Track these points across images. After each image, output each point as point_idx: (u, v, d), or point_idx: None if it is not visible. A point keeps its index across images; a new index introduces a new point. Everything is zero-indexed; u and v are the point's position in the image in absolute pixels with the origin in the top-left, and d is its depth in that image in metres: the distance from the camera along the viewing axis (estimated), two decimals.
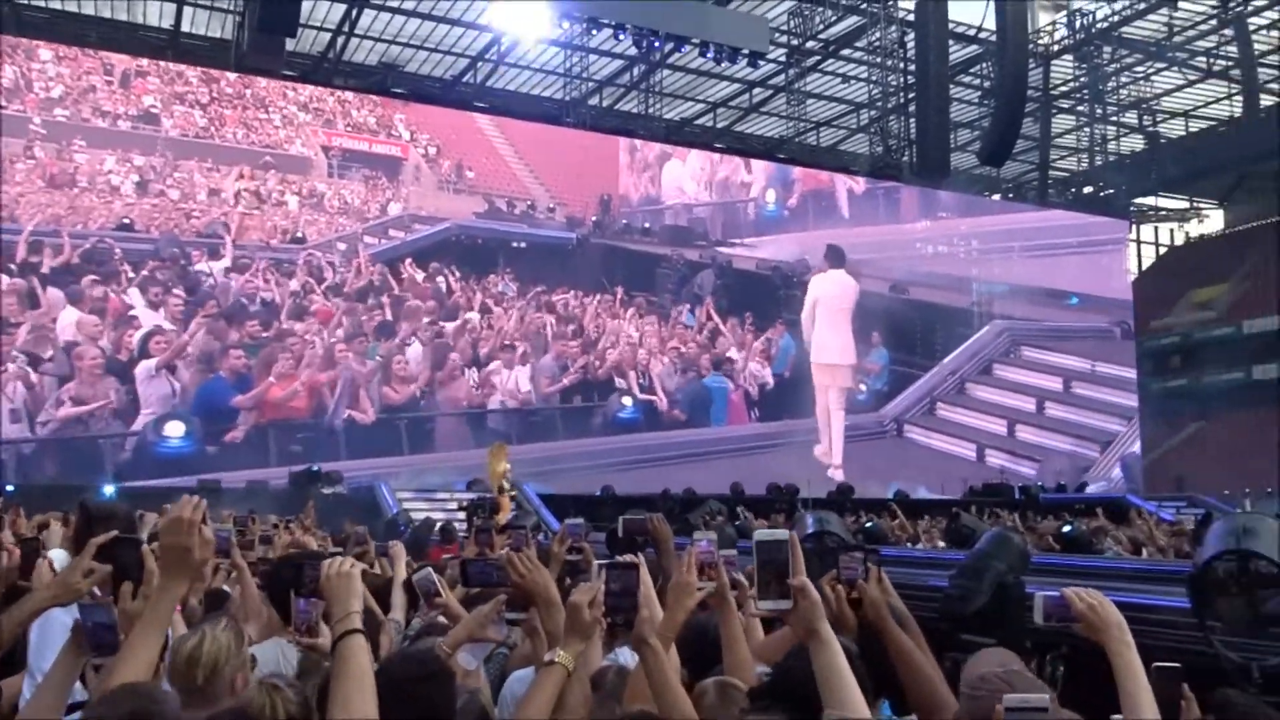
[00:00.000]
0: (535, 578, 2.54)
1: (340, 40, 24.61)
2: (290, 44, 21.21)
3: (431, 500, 16.16)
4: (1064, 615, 2.26)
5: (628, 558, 2.64)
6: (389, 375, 19.99)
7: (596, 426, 21.97)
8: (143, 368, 17.99)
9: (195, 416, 18.31)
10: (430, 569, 3.72)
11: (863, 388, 25.24)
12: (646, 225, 24.30)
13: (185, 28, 23.73)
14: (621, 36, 22.81)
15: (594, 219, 23.50)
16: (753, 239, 25.39)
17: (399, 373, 20.04)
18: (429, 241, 21.41)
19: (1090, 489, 24.61)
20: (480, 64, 26.52)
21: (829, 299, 24.58)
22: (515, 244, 22.27)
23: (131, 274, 18.39)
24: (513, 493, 13.75)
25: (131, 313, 18.22)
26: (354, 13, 23.59)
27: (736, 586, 2.90)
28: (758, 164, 26.94)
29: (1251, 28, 27.20)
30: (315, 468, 17.24)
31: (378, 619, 3.70)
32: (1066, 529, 9.67)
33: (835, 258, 24.96)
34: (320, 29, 24.20)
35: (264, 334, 19.09)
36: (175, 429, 18.15)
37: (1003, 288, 27.98)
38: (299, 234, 20.21)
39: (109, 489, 14.78)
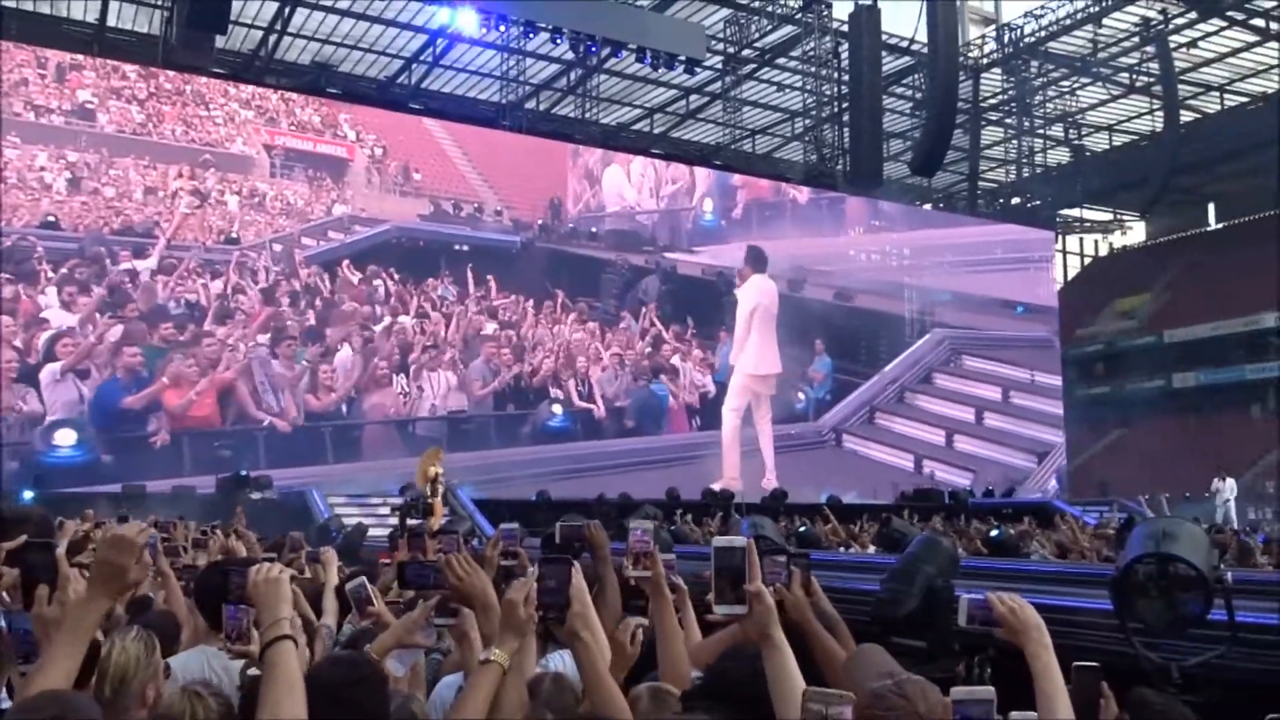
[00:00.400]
0: (473, 580, 2.50)
1: (272, 39, 24.23)
2: (220, 41, 20.83)
3: (363, 506, 15.95)
4: (986, 618, 2.31)
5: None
6: (316, 381, 19.56)
7: (530, 435, 21.68)
8: (47, 371, 17.12)
9: (94, 423, 17.40)
10: (364, 578, 3.67)
11: (801, 396, 25.33)
12: (593, 230, 24.19)
13: (111, 22, 23.19)
14: (559, 40, 22.81)
15: (540, 222, 23.29)
16: (701, 246, 25.28)
17: (324, 380, 19.57)
18: (368, 244, 20.98)
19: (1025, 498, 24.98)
20: (415, 65, 26.30)
21: (763, 307, 24.52)
22: (457, 246, 21.98)
23: (51, 273, 17.77)
24: (436, 494, 13.52)
25: (43, 314, 17.47)
26: (286, 11, 23.23)
27: (676, 590, 2.94)
28: (703, 171, 26.98)
29: (1172, 45, 28.05)
30: (244, 472, 16.90)
31: (312, 625, 3.64)
32: (994, 533, 9.84)
33: (757, 261, 24.76)
34: (252, 26, 23.80)
35: (179, 337, 18.43)
36: (66, 437, 17.10)
37: (946, 295, 28.37)
38: (234, 234, 19.73)
39: (28, 494, 14.35)
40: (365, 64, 26.53)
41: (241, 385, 18.74)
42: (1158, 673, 3.04)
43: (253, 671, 2.41)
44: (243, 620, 2.65)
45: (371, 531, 10.78)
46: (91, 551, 5.98)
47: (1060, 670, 2.19)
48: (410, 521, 11.98)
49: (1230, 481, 23.55)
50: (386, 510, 15.47)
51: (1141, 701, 2.22)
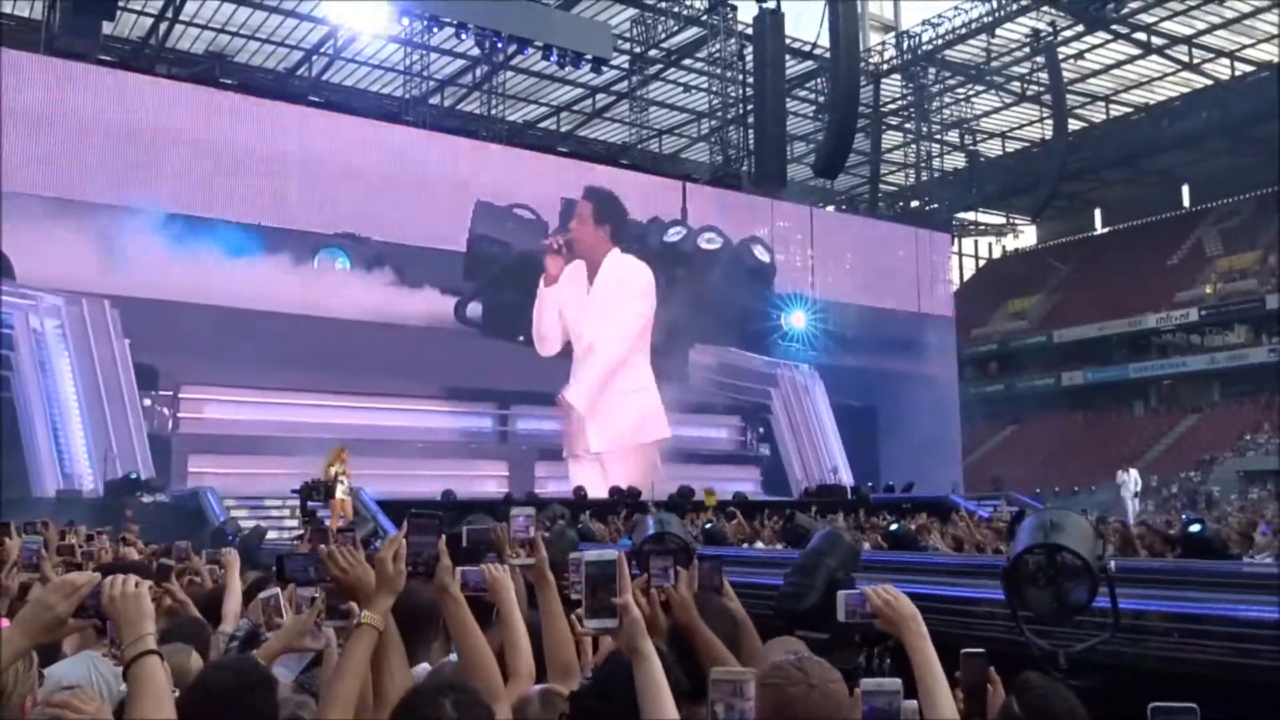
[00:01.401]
0: (356, 573, 2.39)
1: (163, 26, 23.42)
2: (108, 27, 20.06)
3: (259, 508, 15.56)
4: (864, 611, 2.36)
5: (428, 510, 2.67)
6: None
7: None
8: None
9: None
10: (278, 590, 3.56)
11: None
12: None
13: None
14: (464, 36, 22.54)
15: None
16: None
17: None
18: None
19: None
20: (315, 57, 25.74)
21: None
22: None
23: None
24: (334, 491, 13.21)
25: None
26: None
27: None
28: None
29: (1061, 56, 29.08)
30: (134, 474, 16.31)
31: (206, 632, 3.53)
32: (893, 527, 10.04)
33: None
34: (141, 13, 22.95)
35: None
36: None
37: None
38: None
39: None
40: (263, 55, 25.85)
41: None
42: (1046, 659, 3.15)
43: None
44: None
45: (269, 535, 10.51)
46: None
47: (939, 658, 2.26)
48: (311, 504, 11.64)
49: (1134, 473, 24.11)
50: (286, 513, 15.11)
51: (1026, 685, 2.30)
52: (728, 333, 25.86)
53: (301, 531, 9.33)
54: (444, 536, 2.51)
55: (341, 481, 13.20)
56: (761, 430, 26.53)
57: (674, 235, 25.44)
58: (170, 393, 19.15)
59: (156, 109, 19.56)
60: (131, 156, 19.12)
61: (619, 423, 22.87)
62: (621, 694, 2.09)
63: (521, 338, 22.88)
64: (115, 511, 13.62)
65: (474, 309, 22.69)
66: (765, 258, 27.34)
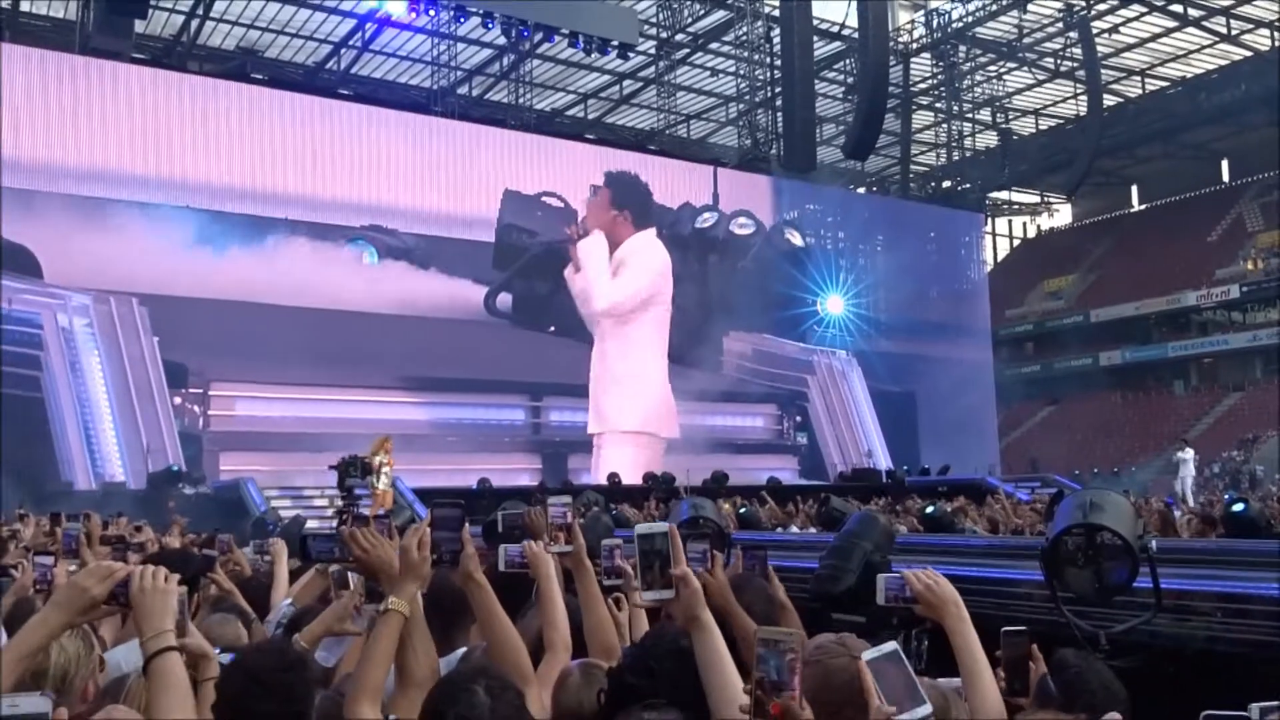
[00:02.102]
0: (378, 553, 2.39)
1: (194, 23, 23.64)
2: (140, 26, 20.28)
3: (300, 498, 15.72)
4: (904, 595, 2.35)
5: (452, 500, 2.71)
6: None
7: None
8: None
9: None
10: (344, 569, 3.60)
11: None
12: None
13: (25, 7, 22.46)
14: (490, 25, 22.57)
15: None
16: None
17: None
18: None
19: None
20: (344, 50, 25.88)
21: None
22: None
23: None
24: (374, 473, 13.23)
25: None
26: None
27: (623, 575, 2.99)
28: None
29: (1094, 31, 28.61)
30: (175, 466, 16.53)
31: (248, 618, 3.59)
32: (929, 510, 9.97)
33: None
34: (173, 11, 23.19)
35: None
36: None
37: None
38: None
39: None
40: (292, 49, 26.01)
41: None
42: (1087, 640, 3.12)
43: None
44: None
45: (310, 524, 10.61)
46: (22, 551, 5.83)
47: (980, 642, 2.24)
48: (349, 481, 11.67)
49: (1190, 452, 23.50)
50: (324, 502, 15.24)
51: (1062, 662, 2.29)
52: (762, 319, 25.61)
53: (343, 511, 9.42)
54: (468, 523, 2.54)
55: (384, 472, 13.26)
56: (799, 418, 26.27)
57: (706, 221, 25.33)
58: (200, 390, 19.19)
59: (187, 106, 19.77)
60: (160, 153, 19.34)
61: (617, 406, 22.48)
62: (667, 670, 2.09)
63: (553, 328, 22.88)
64: (158, 504, 13.83)
65: (504, 300, 22.77)
66: (799, 241, 27.21)
